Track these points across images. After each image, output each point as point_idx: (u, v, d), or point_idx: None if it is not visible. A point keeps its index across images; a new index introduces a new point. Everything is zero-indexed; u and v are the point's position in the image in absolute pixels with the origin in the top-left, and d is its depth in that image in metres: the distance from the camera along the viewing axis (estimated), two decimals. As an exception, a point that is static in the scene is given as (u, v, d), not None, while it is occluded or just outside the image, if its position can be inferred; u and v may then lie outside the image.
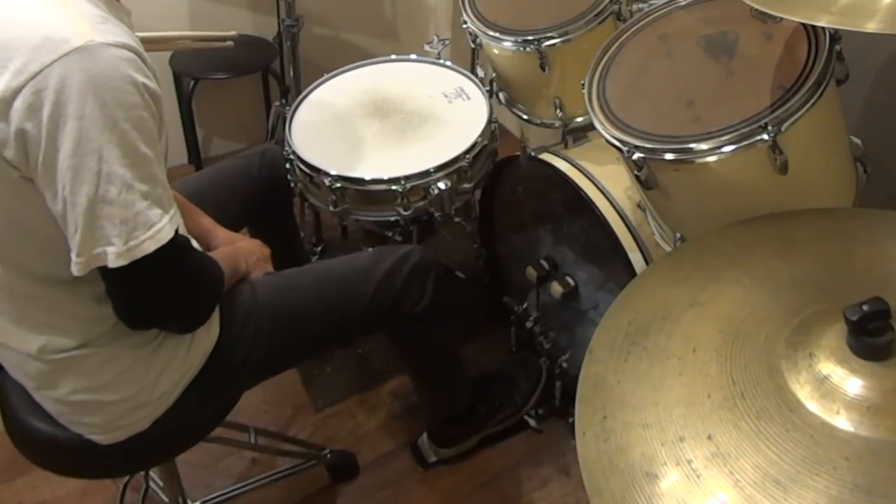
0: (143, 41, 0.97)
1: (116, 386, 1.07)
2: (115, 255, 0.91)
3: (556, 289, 1.60)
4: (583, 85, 1.19)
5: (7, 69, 0.86)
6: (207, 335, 1.15)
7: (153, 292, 1.00)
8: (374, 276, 1.32)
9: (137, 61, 0.90)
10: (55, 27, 0.87)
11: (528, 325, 1.76)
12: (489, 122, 1.61)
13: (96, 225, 0.90)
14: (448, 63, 1.80)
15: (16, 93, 0.85)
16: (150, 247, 0.92)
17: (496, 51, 1.56)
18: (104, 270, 0.94)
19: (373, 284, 1.31)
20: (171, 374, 1.11)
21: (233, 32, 1.67)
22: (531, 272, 1.64)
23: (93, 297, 1.02)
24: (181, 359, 1.11)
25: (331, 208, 1.54)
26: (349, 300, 1.31)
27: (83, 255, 0.91)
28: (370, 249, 1.41)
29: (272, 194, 1.61)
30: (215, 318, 1.16)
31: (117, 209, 0.90)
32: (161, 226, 0.93)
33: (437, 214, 1.54)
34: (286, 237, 1.72)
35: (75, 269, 0.92)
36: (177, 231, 0.96)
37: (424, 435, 1.70)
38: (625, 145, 1.07)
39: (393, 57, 1.86)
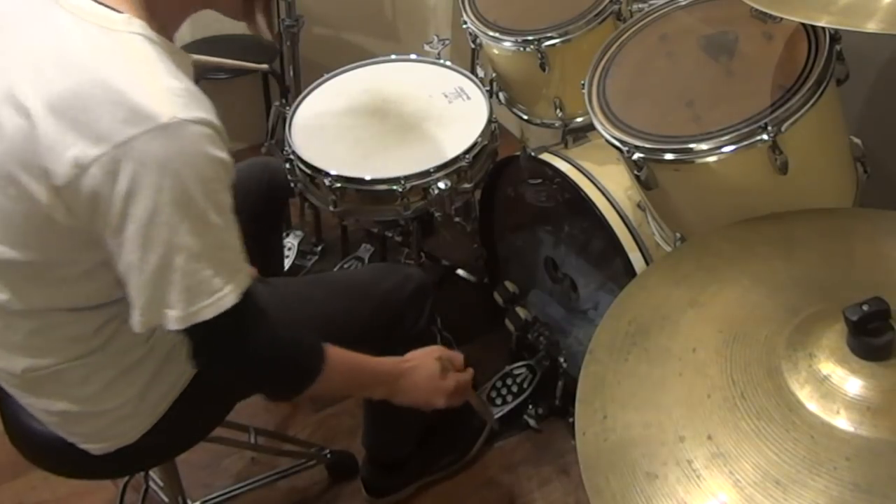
0: (195, 64, 0.97)
1: (101, 397, 1.06)
2: (174, 319, 0.91)
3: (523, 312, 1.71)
4: (583, 85, 1.19)
5: (86, 132, 0.84)
6: None
7: (223, 354, 0.99)
8: (377, 293, 1.32)
9: (215, 136, 0.89)
10: (142, 100, 0.84)
11: (527, 324, 1.76)
12: (489, 122, 1.61)
13: (162, 290, 0.90)
14: (448, 63, 1.80)
15: (94, 159, 0.83)
16: (208, 313, 0.91)
17: (496, 51, 1.56)
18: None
19: (376, 301, 1.31)
20: (160, 386, 1.10)
21: (265, 66, 1.94)
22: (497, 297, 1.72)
23: (94, 327, 1.02)
24: (169, 370, 1.10)
25: (331, 208, 1.54)
26: (349, 316, 1.29)
27: (145, 315, 0.92)
28: (368, 264, 1.38)
29: (269, 206, 1.59)
30: None
31: (183, 277, 0.89)
32: (223, 293, 0.92)
33: (437, 214, 1.54)
34: (271, 249, 1.70)
35: (137, 327, 0.93)
36: (245, 298, 0.94)
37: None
38: (625, 145, 1.07)
39: (393, 57, 1.85)
